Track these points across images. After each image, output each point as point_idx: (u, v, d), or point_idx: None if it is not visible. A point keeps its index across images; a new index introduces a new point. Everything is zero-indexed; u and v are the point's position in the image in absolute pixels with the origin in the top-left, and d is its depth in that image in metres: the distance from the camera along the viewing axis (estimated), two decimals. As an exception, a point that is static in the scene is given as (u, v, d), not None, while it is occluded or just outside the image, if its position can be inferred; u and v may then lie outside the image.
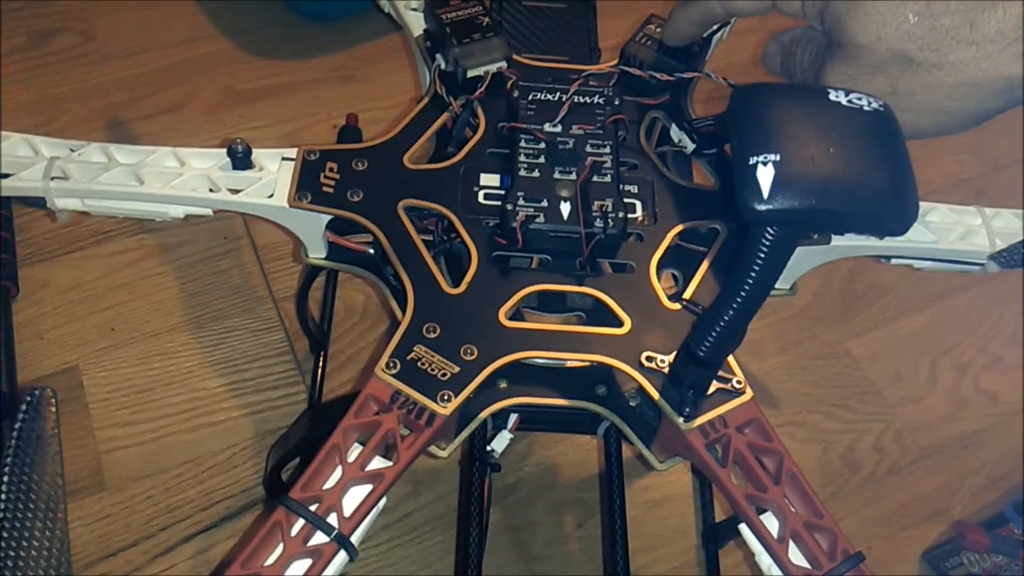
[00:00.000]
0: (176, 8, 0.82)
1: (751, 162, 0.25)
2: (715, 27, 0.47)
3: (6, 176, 0.41)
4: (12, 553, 0.28)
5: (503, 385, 0.40)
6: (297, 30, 0.81)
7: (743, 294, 0.29)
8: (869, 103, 0.26)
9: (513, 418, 0.43)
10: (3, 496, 0.29)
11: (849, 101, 0.26)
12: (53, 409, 0.32)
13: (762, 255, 0.27)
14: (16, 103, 0.75)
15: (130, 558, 0.56)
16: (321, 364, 0.62)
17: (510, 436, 0.44)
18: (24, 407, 0.31)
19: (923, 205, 0.45)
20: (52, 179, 0.40)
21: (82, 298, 0.66)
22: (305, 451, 0.53)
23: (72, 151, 0.41)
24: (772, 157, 0.24)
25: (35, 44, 0.79)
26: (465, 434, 0.39)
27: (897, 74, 0.34)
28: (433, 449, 0.38)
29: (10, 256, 0.65)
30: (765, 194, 0.24)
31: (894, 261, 0.45)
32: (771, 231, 0.26)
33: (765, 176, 0.24)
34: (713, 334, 0.32)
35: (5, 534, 0.28)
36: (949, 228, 0.44)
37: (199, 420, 0.61)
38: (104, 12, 0.81)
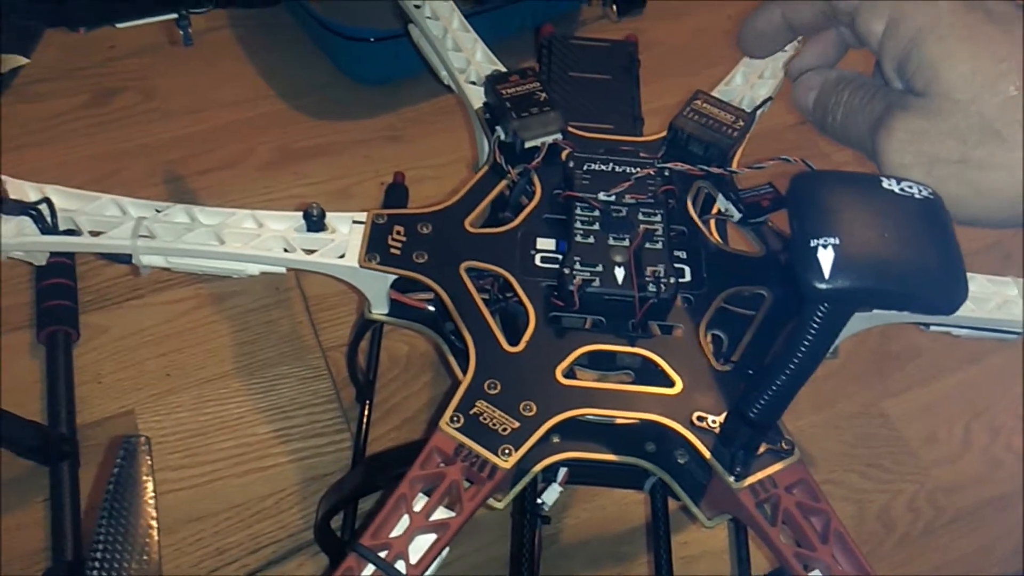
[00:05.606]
0: (234, 71, 0.86)
1: (812, 244, 0.27)
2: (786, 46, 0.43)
3: (96, 234, 0.43)
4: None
5: (556, 440, 0.41)
6: (348, 92, 0.84)
7: (797, 361, 0.31)
8: (920, 191, 0.28)
9: (563, 472, 0.45)
10: (101, 537, 0.31)
11: (901, 189, 0.28)
12: (147, 456, 0.34)
13: (817, 327, 0.29)
14: (81, 157, 0.79)
15: (180, 600, 0.57)
16: (367, 412, 0.64)
17: (560, 489, 0.45)
18: (121, 453, 0.33)
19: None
20: (139, 238, 0.43)
21: (139, 344, 0.68)
22: (355, 501, 0.55)
23: (157, 211, 0.44)
24: (832, 240, 0.27)
25: (100, 102, 0.83)
26: (520, 486, 0.40)
27: (975, 143, 0.31)
28: (491, 501, 0.39)
29: (72, 303, 0.68)
30: (826, 274, 0.26)
31: (932, 328, 0.46)
32: (826, 306, 0.28)
33: (826, 258, 0.26)
34: (766, 397, 0.34)
35: (104, 574, 0.31)
36: (986, 298, 0.45)
37: (248, 465, 0.63)
38: (165, 73, 0.85)
